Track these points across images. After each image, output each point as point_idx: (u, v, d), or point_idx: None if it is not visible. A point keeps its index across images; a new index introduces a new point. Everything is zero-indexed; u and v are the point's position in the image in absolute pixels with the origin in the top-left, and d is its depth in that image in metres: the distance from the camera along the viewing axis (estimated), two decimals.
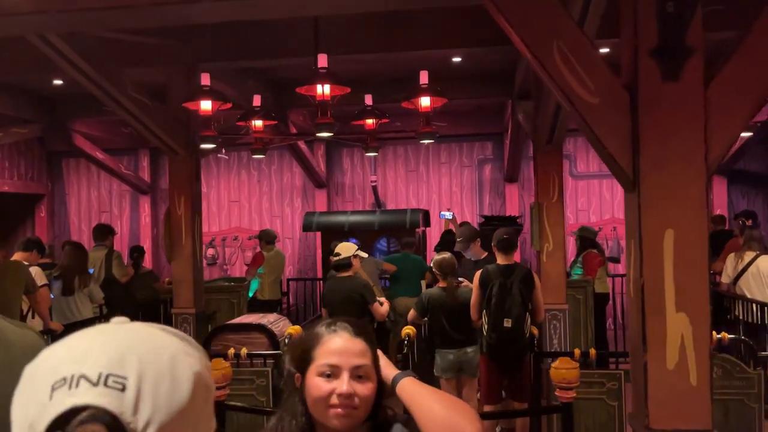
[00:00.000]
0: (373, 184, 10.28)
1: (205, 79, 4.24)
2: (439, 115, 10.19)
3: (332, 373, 1.26)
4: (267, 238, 7.20)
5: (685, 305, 2.55)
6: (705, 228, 2.56)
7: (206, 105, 4.20)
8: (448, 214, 8.54)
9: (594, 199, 10.53)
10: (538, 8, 2.61)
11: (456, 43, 5.82)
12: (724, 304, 6.03)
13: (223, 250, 10.73)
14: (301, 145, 9.38)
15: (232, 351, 4.01)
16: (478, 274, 4.44)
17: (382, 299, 4.95)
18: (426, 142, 5.26)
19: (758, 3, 2.57)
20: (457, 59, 6.94)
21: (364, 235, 8.82)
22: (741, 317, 5.67)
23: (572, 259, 7.21)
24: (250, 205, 10.81)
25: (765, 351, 4.79)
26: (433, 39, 5.68)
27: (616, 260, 10.10)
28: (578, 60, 2.60)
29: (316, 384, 1.26)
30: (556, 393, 2.92)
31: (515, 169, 10.20)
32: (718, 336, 3.82)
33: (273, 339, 4.22)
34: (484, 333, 4.31)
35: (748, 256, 5.68)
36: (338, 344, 1.27)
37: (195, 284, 5.88)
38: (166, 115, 5.66)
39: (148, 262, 9.33)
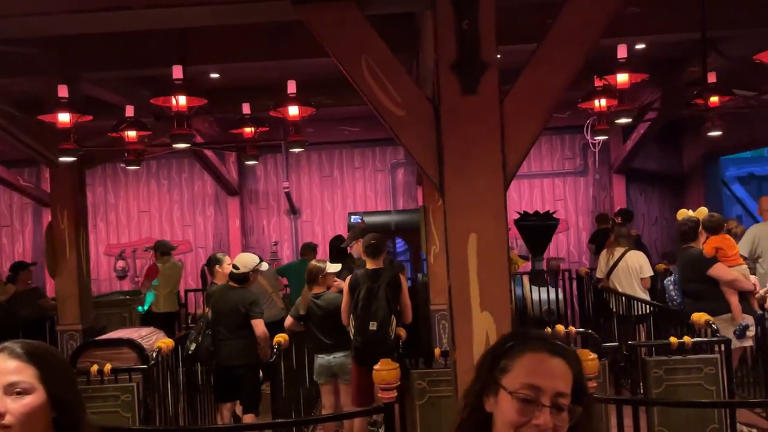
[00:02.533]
0: (286, 190, 10.27)
1: (63, 91, 4.18)
2: (351, 120, 10.35)
3: None
4: (162, 249, 7.12)
5: (489, 305, 2.70)
6: (504, 231, 2.71)
7: (64, 117, 4.14)
8: (357, 218, 8.66)
9: None
10: (346, 25, 2.72)
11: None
12: (603, 297, 6.34)
13: (133, 261, 10.50)
14: (209, 152, 9.30)
15: (95, 368, 3.96)
16: (348, 279, 4.54)
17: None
18: (296, 150, 5.32)
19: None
20: None
21: (411, 235, 8.68)
22: (614, 310, 5.98)
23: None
24: (161, 215, 10.63)
25: (635, 341, 5.08)
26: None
27: (526, 258, 10.44)
28: (385, 74, 2.71)
29: None
30: (378, 395, 3.03)
31: None
32: (566, 330, 4.03)
33: (142, 354, 4.20)
34: (352, 337, 4.41)
35: (618, 251, 5.99)
36: None
37: (81, 300, 5.76)
38: (41, 126, 5.53)
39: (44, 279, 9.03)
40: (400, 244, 9.04)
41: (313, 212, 10.81)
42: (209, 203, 10.69)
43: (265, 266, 5.16)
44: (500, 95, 2.70)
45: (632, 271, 5.78)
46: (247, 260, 4.86)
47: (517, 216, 9.08)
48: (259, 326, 4.58)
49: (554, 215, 8.98)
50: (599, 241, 6.55)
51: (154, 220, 10.66)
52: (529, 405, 1.22)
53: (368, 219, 8.80)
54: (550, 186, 10.85)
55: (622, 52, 4.24)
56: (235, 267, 4.82)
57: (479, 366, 1.36)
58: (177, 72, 3.86)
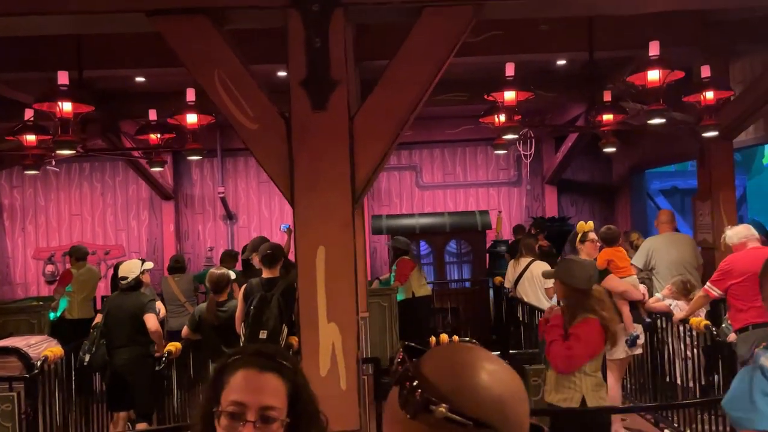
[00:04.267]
0: (221, 195, 10.22)
1: None
2: None
3: None
4: (77, 254, 7.02)
5: (336, 316, 2.77)
6: (352, 244, 2.79)
7: None
8: (284, 227, 8.68)
9: (438, 208, 10.96)
10: (199, 39, 2.76)
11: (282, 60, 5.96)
12: (513, 306, 6.50)
13: (63, 266, 10.29)
14: (138, 155, 9.20)
15: None
16: (243, 288, 4.57)
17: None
18: (194, 158, 5.33)
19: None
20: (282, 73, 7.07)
21: (434, 238, 8.67)
22: (521, 318, 6.13)
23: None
24: (93, 219, 10.46)
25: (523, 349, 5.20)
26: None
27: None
28: (238, 88, 2.77)
29: None
30: None
31: None
32: (451, 339, 4.13)
33: (27, 362, 4.14)
34: (241, 345, 4.43)
35: (524, 262, 6.16)
36: None
37: None
38: None
39: None
40: (423, 247, 9.05)
41: (249, 218, 10.78)
42: (143, 207, 10.56)
43: (150, 265, 5.14)
44: (350, 112, 2.78)
45: (537, 281, 5.94)
46: (131, 267, 4.85)
47: None
48: (150, 320, 4.57)
49: (569, 221, 9.28)
50: (514, 251, 6.72)
51: (86, 224, 10.47)
52: (236, 421, 1.28)
53: (393, 222, 8.79)
54: (485, 195, 11.05)
55: (509, 70, 4.39)
56: (123, 278, 4.79)
57: (208, 384, 1.40)
58: (62, 78, 3.84)
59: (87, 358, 4.52)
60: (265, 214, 10.80)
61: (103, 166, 10.41)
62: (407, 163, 11.05)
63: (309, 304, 2.77)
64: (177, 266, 7.26)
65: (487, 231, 8.92)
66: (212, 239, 10.70)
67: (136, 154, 7.23)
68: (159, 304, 5.13)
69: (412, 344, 0.94)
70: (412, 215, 9.65)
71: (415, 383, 0.82)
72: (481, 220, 8.79)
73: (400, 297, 6.63)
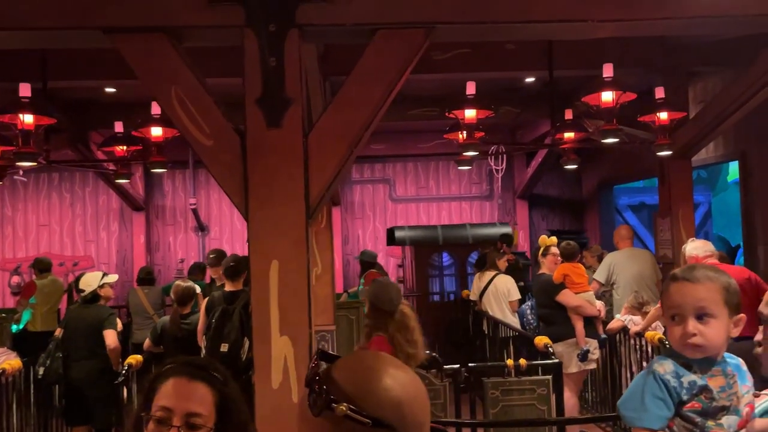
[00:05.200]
0: (193, 206, 10.19)
1: None
2: None
3: None
4: (40, 266, 6.96)
5: (288, 329, 2.81)
6: (305, 259, 2.84)
7: None
8: None
9: (411, 221, 11.05)
10: (156, 56, 2.81)
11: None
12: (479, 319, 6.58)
13: (30, 277, 10.15)
14: (112, 166, 9.15)
15: None
16: (205, 300, 4.59)
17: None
18: (158, 171, 5.35)
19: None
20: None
21: (457, 249, 8.61)
22: (486, 331, 6.22)
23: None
24: (62, 229, 10.35)
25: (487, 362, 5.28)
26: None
27: None
28: (194, 105, 2.82)
29: None
30: None
31: (335, 194, 10.54)
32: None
33: None
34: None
35: (488, 275, 6.26)
36: None
37: None
38: None
39: None
40: (446, 259, 9.02)
41: (222, 230, 10.75)
42: (114, 218, 10.48)
43: (113, 278, 5.13)
44: (305, 130, 2.84)
45: (501, 294, 6.04)
46: (90, 280, 4.85)
47: None
48: (110, 337, 4.56)
49: (585, 234, 9.34)
50: (481, 264, 6.81)
51: (54, 235, 10.36)
52: (162, 426, 1.33)
53: (414, 233, 8.74)
54: (457, 209, 11.17)
55: (470, 88, 4.49)
56: (80, 290, 4.79)
57: (143, 392, 1.46)
58: (24, 90, 3.85)
59: (41, 371, 4.49)
60: (237, 226, 10.77)
61: (73, 176, 10.32)
62: (381, 177, 11.14)
63: (262, 317, 2.81)
64: (147, 278, 7.23)
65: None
66: (183, 251, 10.65)
67: (106, 165, 7.21)
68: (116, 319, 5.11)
69: (328, 351, 1.02)
70: (433, 227, 9.63)
71: (322, 385, 0.89)
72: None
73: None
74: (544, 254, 5.28)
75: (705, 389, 1.51)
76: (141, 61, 2.82)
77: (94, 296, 4.78)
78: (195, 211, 10.30)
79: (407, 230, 9.10)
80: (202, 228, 10.58)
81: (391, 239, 9.13)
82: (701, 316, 1.52)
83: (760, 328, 1.75)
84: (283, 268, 2.81)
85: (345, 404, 0.86)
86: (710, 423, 1.50)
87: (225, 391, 1.40)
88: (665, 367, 1.54)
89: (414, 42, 2.88)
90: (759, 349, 1.48)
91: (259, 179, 2.81)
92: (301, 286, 2.82)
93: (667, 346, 1.73)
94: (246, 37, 2.79)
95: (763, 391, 1.53)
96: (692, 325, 1.51)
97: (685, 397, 1.51)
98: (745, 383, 1.56)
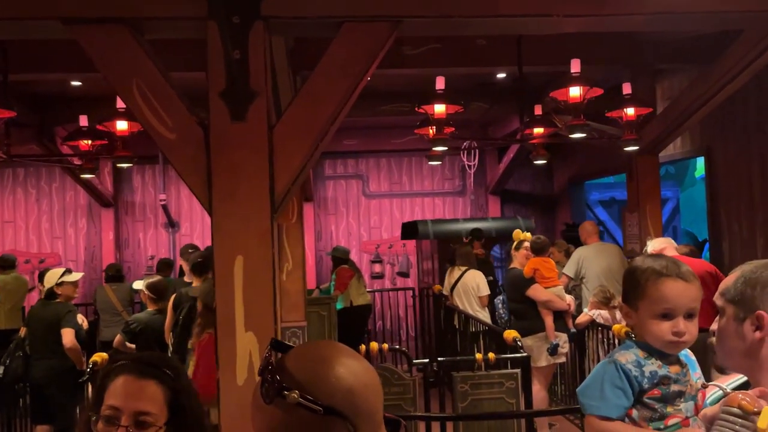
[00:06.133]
0: (163, 202, 10.04)
1: None
2: None
3: None
4: (3, 263, 6.80)
5: (253, 325, 2.78)
6: (270, 254, 2.81)
7: None
8: None
9: (385, 217, 11.06)
10: (118, 48, 2.75)
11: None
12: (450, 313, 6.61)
13: None
14: (77, 161, 8.97)
15: None
16: (173, 297, 4.53)
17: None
18: (125, 165, 5.27)
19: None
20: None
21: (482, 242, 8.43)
22: (456, 326, 6.25)
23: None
24: (27, 226, 10.12)
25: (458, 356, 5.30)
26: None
27: (405, 275, 10.71)
28: (156, 98, 2.77)
29: None
30: None
31: (308, 189, 10.48)
32: (380, 347, 4.20)
33: None
34: (169, 355, 4.39)
35: (458, 271, 6.29)
36: None
37: None
38: None
39: None
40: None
41: (192, 226, 10.62)
42: (81, 214, 10.28)
43: (75, 276, 5.03)
44: (269, 123, 2.81)
45: (471, 289, 6.08)
46: (50, 276, 4.76)
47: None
48: (67, 336, 4.48)
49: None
50: (452, 259, 6.84)
51: (19, 231, 10.13)
52: (111, 425, 1.31)
53: (437, 227, 8.66)
54: (430, 205, 11.19)
55: (440, 84, 4.49)
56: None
57: (95, 390, 1.43)
58: None
59: (1, 370, 4.38)
60: (208, 222, 10.56)
61: (39, 171, 10.11)
62: (354, 172, 11.11)
63: (226, 313, 2.77)
64: (116, 275, 7.11)
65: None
66: (153, 248, 10.50)
67: (71, 160, 7.06)
68: (80, 317, 5.02)
69: (282, 341, 1.01)
70: (456, 220, 9.64)
71: (274, 373, 0.90)
72: (524, 225, 8.85)
73: (339, 306, 6.66)
74: (517, 248, 5.32)
75: (665, 378, 1.54)
76: (102, 53, 2.75)
77: (52, 293, 4.68)
78: (165, 207, 10.16)
79: (431, 224, 9.04)
80: (172, 224, 10.44)
81: (407, 233, 8.99)
82: (690, 315, 1.55)
83: (716, 318, 1.78)
84: (247, 263, 2.78)
85: (297, 392, 0.86)
86: (669, 409, 1.54)
87: (177, 388, 1.38)
88: (626, 356, 1.56)
89: (380, 35, 2.86)
90: (713, 339, 1.51)
91: (223, 173, 2.77)
92: (266, 282, 2.79)
93: (633, 336, 1.74)
94: (209, 29, 2.74)
95: (711, 383, 1.56)
96: (683, 324, 1.53)
97: (646, 386, 1.54)
98: (695, 371, 1.60)
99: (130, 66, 2.76)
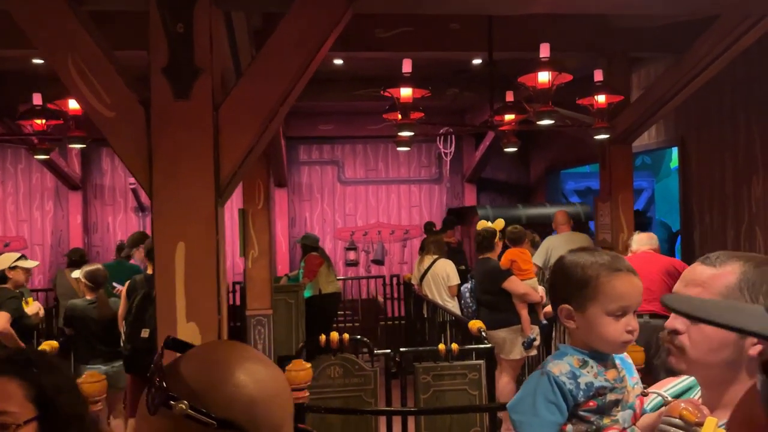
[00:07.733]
0: (132, 186, 9.82)
1: None
2: None
3: None
4: None
5: (195, 315, 2.65)
6: (214, 241, 2.67)
7: None
8: None
9: (360, 204, 10.94)
10: (53, 19, 2.58)
11: None
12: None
13: None
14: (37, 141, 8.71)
15: None
16: (126, 284, 4.38)
17: None
18: (77, 146, 5.07)
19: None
20: None
21: (539, 229, 8.07)
22: (426, 315, 6.16)
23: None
24: None
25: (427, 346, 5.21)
26: None
27: (380, 262, 10.61)
28: (94, 74, 2.60)
29: None
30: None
31: (282, 175, 10.30)
32: (341, 336, 4.09)
33: None
34: (122, 344, 4.26)
35: (428, 260, 6.19)
36: None
37: None
38: None
39: None
40: None
41: None
42: (48, 197, 10.02)
43: (30, 263, 4.86)
44: (215, 102, 2.66)
45: (440, 278, 5.98)
46: (2, 259, 4.59)
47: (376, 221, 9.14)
48: (0, 319, 4.33)
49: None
50: (423, 248, 6.75)
51: None
52: None
53: (498, 212, 8.31)
54: (406, 192, 11.08)
55: (406, 67, 4.36)
56: None
57: None
58: None
59: None
60: None
61: (4, 152, 9.82)
62: (329, 158, 10.95)
63: (167, 302, 2.64)
64: (79, 260, 6.90)
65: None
66: (123, 232, 10.26)
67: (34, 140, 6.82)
68: (36, 304, 4.85)
69: (179, 340, 0.89)
70: (516, 206, 9.51)
71: (162, 379, 0.78)
72: (583, 211, 8.73)
73: (307, 294, 6.54)
74: (501, 238, 5.22)
75: (601, 388, 1.42)
76: (35, 25, 2.58)
77: (2, 277, 4.51)
78: (135, 191, 9.93)
79: (491, 209, 8.82)
80: (142, 208, 10.21)
81: (451, 221, 8.82)
82: (634, 312, 1.44)
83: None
84: (190, 250, 2.64)
85: (185, 402, 0.75)
86: (606, 420, 1.42)
87: (44, 383, 1.29)
88: (560, 367, 1.43)
89: (335, 11, 2.71)
90: (665, 333, 1.40)
91: (164, 154, 2.62)
92: (210, 270, 2.66)
93: (566, 343, 1.61)
94: (150, 1, 2.58)
95: (650, 389, 1.45)
96: (635, 321, 1.43)
97: (581, 399, 1.41)
98: (633, 375, 1.49)
99: (65, 39, 2.59)
